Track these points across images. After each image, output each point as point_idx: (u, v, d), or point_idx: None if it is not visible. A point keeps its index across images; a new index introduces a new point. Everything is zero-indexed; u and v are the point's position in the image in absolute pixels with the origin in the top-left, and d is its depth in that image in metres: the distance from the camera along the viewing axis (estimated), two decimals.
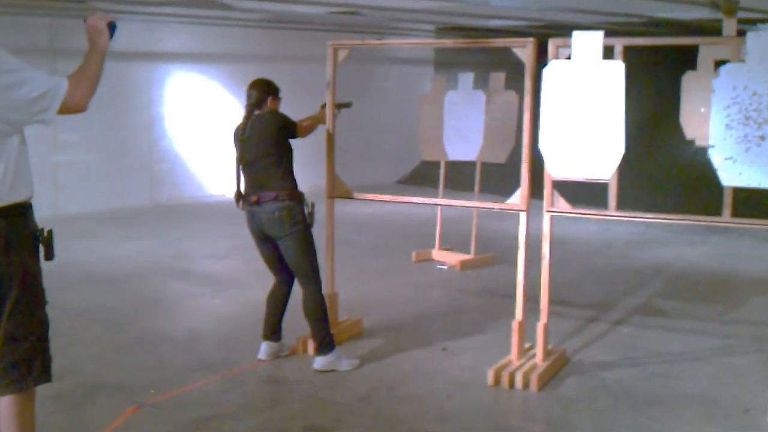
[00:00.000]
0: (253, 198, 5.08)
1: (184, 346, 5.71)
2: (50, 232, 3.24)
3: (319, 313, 5.18)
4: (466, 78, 7.83)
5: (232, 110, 12.91)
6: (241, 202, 5.19)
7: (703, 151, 4.73)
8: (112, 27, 3.30)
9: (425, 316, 6.54)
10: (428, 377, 5.13)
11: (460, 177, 9.24)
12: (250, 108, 5.15)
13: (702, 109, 6.28)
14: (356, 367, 5.21)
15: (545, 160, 4.89)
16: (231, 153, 5.27)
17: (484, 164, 8.18)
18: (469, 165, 8.24)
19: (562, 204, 5.03)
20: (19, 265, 3.13)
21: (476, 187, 8.30)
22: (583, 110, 4.79)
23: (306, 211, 5.14)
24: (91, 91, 3.18)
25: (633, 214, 5.08)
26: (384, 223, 10.91)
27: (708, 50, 6.59)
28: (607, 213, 5.01)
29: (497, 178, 8.50)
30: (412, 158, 14.94)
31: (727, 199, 4.75)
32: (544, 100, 4.88)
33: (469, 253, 8.42)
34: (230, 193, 5.22)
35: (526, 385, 4.91)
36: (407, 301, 7.01)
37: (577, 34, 4.79)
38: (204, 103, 12.94)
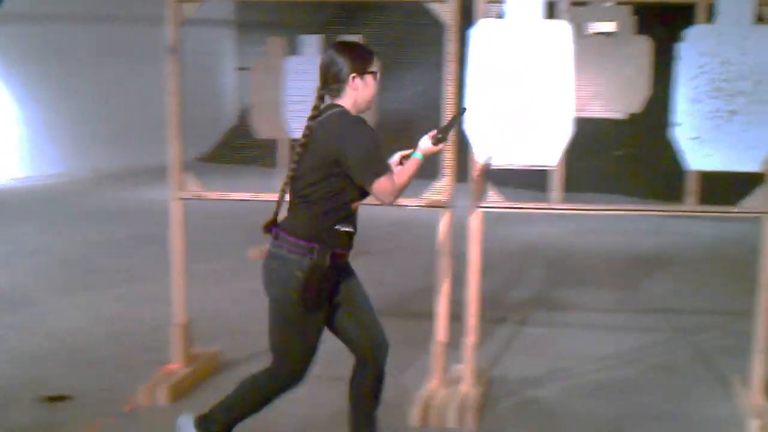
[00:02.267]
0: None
1: None
2: None
3: (258, 399, 3.39)
4: (310, 41, 6.67)
5: None
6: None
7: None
8: None
9: None
10: (330, 422, 4.02)
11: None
12: (319, 97, 3.19)
13: None
14: None
15: (472, 144, 3.93)
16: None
17: None
18: None
19: (493, 197, 4.09)
20: None
21: None
22: (521, 82, 3.88)
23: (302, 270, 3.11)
24: None
25: (582, 206, 4.24)
26: (198, 214, 9.27)
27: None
28: (555, 206, 4.15)
29: None
30: (212, 132, 13.66)
31: (692, 185, 4.05)
32: (471, 69, 3.91)
33: None
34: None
35: (461, 422, 3.98)
36: (265, 314, 5.79)
37: None
38: None
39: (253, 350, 4.98)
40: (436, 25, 4.07)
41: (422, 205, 4.16)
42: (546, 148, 3.91)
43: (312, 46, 6.63)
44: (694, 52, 3.81)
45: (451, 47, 3.98)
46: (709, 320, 5.67)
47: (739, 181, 3.93)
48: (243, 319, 5.68)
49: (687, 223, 8.93)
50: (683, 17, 4.29)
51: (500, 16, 3.91)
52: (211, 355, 4.76)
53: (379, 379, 3.38)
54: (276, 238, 3.18)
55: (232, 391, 3.39)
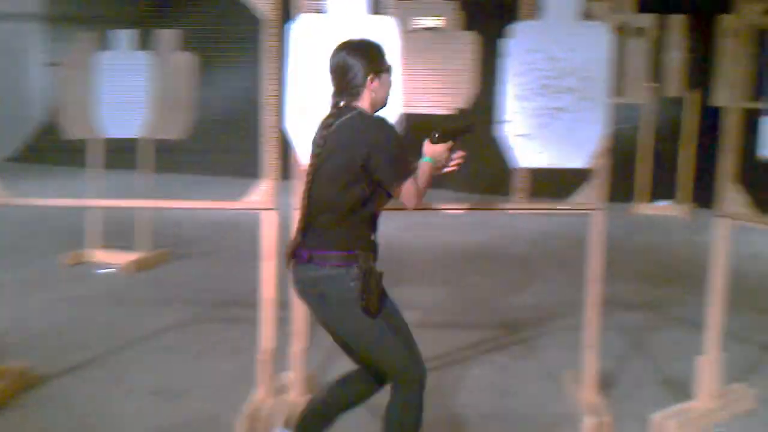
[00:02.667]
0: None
1: None
2: None
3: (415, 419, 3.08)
4: (122, 36, 6.25)
5: None
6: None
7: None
8: None
9: (113, 343, 4.97)
10: None
11: (113, 155, 7.49)
12: (335, 105, 2.94)
13: None
14: None
15: (293, 143, 3.72)
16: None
17: (143, 140, 6.73)
18: (120, 140, 6.63)
19: None
20: None
21: (150, 168, 6.84)
22: None
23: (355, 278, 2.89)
24: None
25: None
26: (2, 217, 8.52)
27: None
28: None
29: (169, 154, 7.11)
30: (20, 132, 12.87)
31: (522, 182, 4.01)
32: (291, 66, 3.70)
33: (136, 249, 6.95)
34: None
35: None
36: (80, 325, 5.36)
37: None
38: None
39: (64, 364, 4.59)
40: (255, 20, 3.82)
41: (244, 208, 3.92)
42: None
43: (125, 41, 6.24)
44: (521, 48, 3.76)
45: (269, 43, 3.74)
46: (538, 315, 5.71)
47: (566, 176, 3.92)
48: (53, 331, 5.22)
49: (514, 217, 9.10)
50: (514, 13, 4.24)
51: (322, 10, 3.73)
52: (19, 370, 4.30)
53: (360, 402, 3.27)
54: (310, 260, 2.89)
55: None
